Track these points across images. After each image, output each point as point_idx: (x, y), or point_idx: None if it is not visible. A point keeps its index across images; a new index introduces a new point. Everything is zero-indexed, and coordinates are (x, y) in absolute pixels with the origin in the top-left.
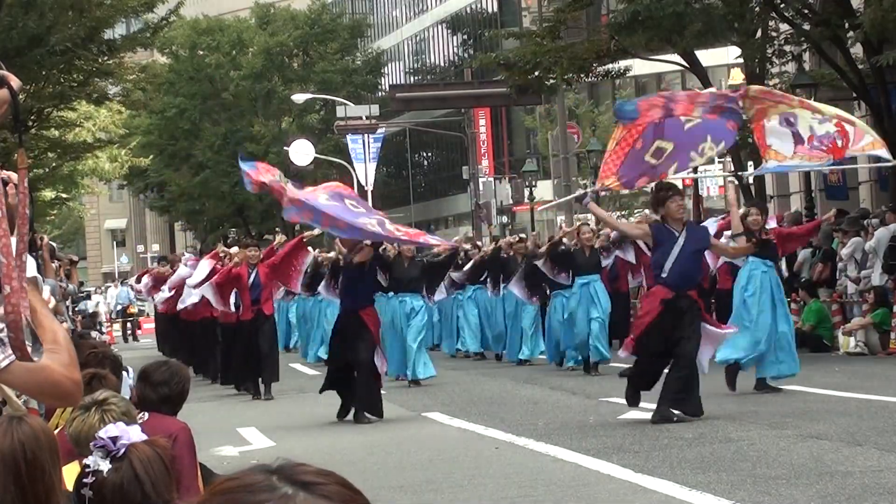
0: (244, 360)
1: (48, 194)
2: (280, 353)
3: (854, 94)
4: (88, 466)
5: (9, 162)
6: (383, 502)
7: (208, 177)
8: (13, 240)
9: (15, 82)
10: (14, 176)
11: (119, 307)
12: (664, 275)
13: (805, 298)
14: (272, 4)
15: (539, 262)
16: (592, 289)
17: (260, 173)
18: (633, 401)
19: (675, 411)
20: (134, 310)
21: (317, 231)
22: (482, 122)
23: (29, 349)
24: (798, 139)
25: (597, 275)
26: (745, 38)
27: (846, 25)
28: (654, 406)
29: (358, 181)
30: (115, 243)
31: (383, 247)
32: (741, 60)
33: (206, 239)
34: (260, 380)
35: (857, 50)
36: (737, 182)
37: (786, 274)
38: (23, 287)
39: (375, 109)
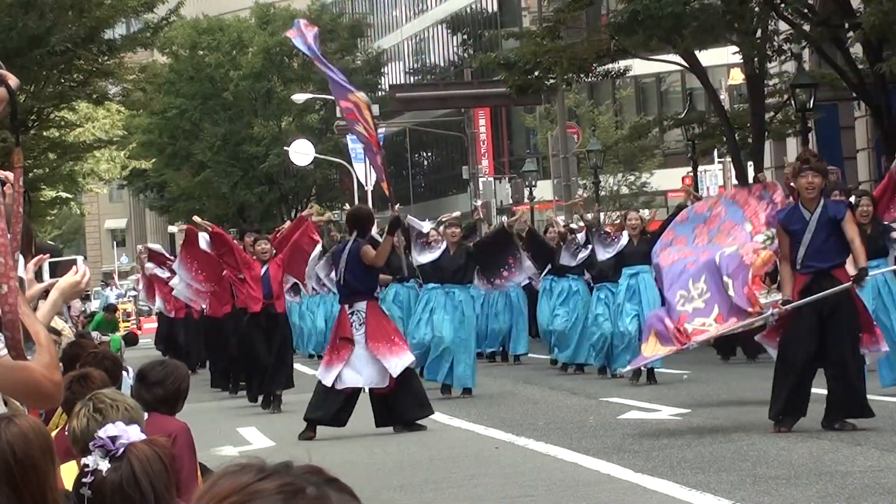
0: (248, 362)
1: (48, 194)
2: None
3: (854, 94)
4: (87, 466)
5: (9, 162)
6: (383, 502)
7: (208, 177)
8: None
9: (13, 81)
10: (11, 175)
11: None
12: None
13: None
14: (272, 4)
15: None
16: (642, 280)
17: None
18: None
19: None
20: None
21: (324, 216)
22: (482, 122)
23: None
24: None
25: (647, 265)
26: (744, 37)
27: (846, 25)
28: (654, 406)
29: (358, 181)
30: (115, 243)
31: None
32: (741, 60)
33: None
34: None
35: (857, 50)
36: None
37: None
38: (18, 287)
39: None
